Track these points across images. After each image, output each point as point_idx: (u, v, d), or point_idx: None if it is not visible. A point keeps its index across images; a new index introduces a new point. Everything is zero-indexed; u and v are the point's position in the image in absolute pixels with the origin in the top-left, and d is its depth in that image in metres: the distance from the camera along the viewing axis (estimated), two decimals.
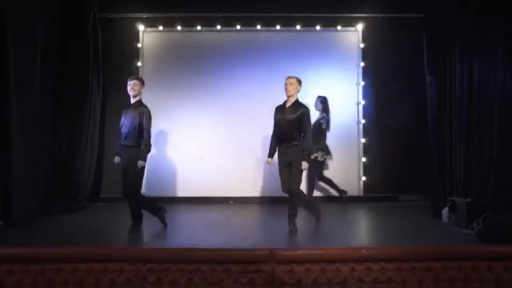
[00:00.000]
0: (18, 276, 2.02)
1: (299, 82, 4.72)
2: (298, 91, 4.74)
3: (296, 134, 4.65)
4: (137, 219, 4.91)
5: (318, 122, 6.45)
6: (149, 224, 4.94)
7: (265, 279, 2.02)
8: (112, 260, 2.06)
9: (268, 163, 4.91)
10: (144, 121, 4.66)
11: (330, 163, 6.76)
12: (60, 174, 6.09)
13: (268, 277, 2.02)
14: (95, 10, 6.72)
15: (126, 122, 4.70)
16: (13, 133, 4.95)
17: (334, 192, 6.85)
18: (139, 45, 7.31)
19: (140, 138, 4.68)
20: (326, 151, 6.50)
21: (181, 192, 7.16)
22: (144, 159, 4.71)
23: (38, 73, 5.48)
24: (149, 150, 4.75)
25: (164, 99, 6.85)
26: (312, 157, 6.29)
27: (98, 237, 4.63)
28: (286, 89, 4.71)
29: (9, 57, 4.84)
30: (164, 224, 4.83)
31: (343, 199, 6.66)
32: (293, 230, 4.60)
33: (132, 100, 4.77)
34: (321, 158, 6.43)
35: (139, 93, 4.75)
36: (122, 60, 7.17)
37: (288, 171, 4.65)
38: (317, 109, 6.58)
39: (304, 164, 4.60)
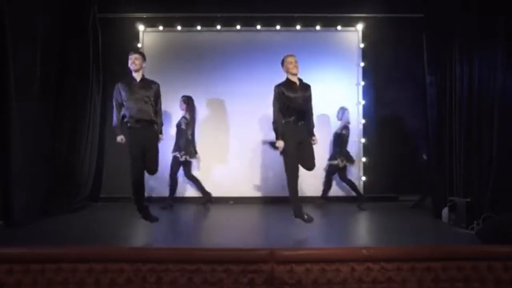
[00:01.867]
0: (18, 276, 2.01)
1: None
2: None
3: (306, 112, 4.72)
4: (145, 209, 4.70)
5: (179, 122, 6.55)
6: (149, 224, 4.93)
7: (265, 279, 2.01)
8: (112, 260, 2.05)
9: (280, 146, 4.60)
10: (160, 97, 4.76)
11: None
12: (60, 174, 6.09)
13: (268, 277, 2.02)
14: (95, 10, 6.72)
15: (138, 97, 4.52)
16: (13, 133, 4.95)
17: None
18: (139, 45, 7.31)
19: (155, 114, 4.70)
20: (190, 151, 6.49)
21: (181, 192, 7.16)
22: (162, 133, 4.89)
23: (38, 73, 5.48)
24: (163, 124, 4.95)
25: (163, 99, 6.74)
26: (175, 155, 6.45)
27: (98, 237, 4.63)
28: (292, 67, 4.65)
29: (9, 57, 4.84)
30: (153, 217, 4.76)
31: (205, 202, 6.56)
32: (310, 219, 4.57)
33: (136, 75, 4.62)
34: (182, 158, 6.43)
35: (141, 68, 4.64)
36: (122, 60, 7.12)
37: (297, 149, 4.58)
38: (181, 109, 6.63)
39: (316, 139, 4.79)
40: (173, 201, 6.56)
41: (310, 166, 4.66)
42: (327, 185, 6.74)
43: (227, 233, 4.89)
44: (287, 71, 4.70)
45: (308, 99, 4.73)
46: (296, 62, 4.66)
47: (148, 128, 4.58)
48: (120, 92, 4.60)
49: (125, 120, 4.57)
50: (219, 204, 6.66)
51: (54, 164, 6.01)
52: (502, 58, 5.03)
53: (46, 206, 5.71)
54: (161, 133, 4.87)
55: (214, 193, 6.98)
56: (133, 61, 4.59)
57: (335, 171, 6.63)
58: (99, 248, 2.54)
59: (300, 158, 4.60)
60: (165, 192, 6.97)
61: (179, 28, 7.29)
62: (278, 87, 4.67)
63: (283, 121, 4.63)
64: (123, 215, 5.73)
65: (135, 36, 7.31)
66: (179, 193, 7.13)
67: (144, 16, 7.29)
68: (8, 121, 4.90)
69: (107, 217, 5.90)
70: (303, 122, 4.68)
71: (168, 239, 4.68)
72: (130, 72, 4.65)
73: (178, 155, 6.43)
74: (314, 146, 4.79)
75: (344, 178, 6.65)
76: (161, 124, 4.88)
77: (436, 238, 4.55)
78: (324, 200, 6.66)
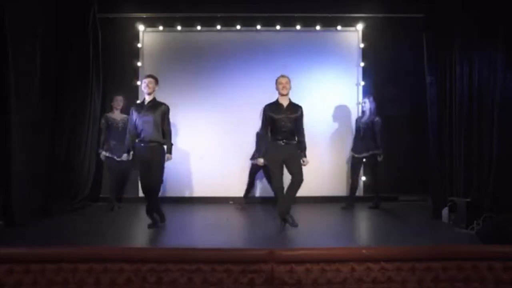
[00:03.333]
0: (18, 276, 2.01)
1: (290, 81, 4.84)
2: (290, 89, 4.86)
3: (293, 132, 4.80)
4: (158, 217, 4.98)
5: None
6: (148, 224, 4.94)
7: (265, 279, 2.01)
8: (112, 260, 2.05)
9: (260, 163, 5.00)
10: (168, 118, 4.91)
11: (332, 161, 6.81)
12: (60, 174, 6.09)
13: (268, 277, 2.02)
14: (95, 10, 6.72)
15: (145, 119, 4.75)
16: (13, 133, 4.95)
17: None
18: (139, 45, 7.31)
19: (162, 135, 4.87)
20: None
21: (181, 192, 7.17)
22: (171, 153, 4.98)
23: (38, 73, 5.48)
24: (172, 145, 5.04)
25: (163, 99, 6.81)
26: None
27: (98, 237, 4.63)
28: (283, 88, 4.76)
29: (9, 57, 4.84)
30: (152, 225, 4.88)
31: (111, 207, 6.33)
32: (294, 223, 4.64)
33: (147, 98, 4.87)
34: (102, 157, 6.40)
35: (153, 91, 4.86)
36: (122, 60, 7.17)
37: (281, 168, 4.73)
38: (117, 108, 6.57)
39: (306, 160, 4.81)
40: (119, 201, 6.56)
41: (297, 179, 4.68)
42: (251, 185, 6.84)
43: (227, 233, 4.89)
44: (277, 91, 4.84)
45: (295, 120, 4.77)
46: (286, 83, 4.76)
47: (151, 148, 4.77)
48: (133, 114, 4.87)
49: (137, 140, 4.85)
50: (219, 204, 6.65)
51: (54, 164, 6.01)
52: (502, 58, 5.04)
53: (46, 206, 5.71)
54: (169, 153, 4.94)
55: (214, 193, 7.00)
56: (146, 84, 4.82)
57: (258, 170, 6.67)
58: (99, 248, 2.54)
59: (290, 173, 4.73)
60: (165, 193, 6.99)
61: (179, 28, 7.29)
62: (265, 107, 4.88)
63: (268, 140, 4.82)
64: (123, 215, 5.73)
65: (135, 36, 7.31)
66: (178, 193, 7.15)
67: (144, 16, 7.29)
68: (8, 121, 4.91)
69: (107, 217, 5.89)
70: (289, 141, 4.76)
71: (168, 239, 4.68)
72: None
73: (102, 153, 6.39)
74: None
75: (253, 176, 6.78)
76: (170, 144, 4.97)
77: (436, 238, 4.55)
78: (247, 200, 6.78)
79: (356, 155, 6.51)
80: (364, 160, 6.54)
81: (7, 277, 2.01)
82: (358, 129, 6.58)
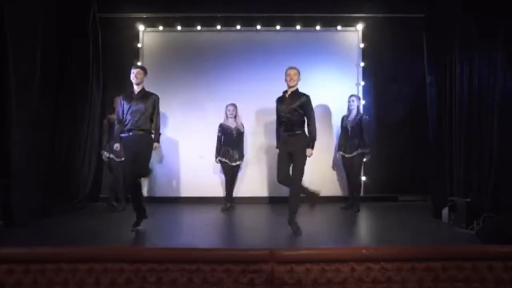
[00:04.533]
0: (18, 276, 2.01)
1: (299, 72, 4.78)
2: (299, 81, 4.79)
3: (298, 122, 4.69)
4: (141, 212, 4.84)
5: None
6: (149, 224, 4.94)
7: (265, 279, 2.01)
8: (112, 260, 2.05)
9: None
10: (158, 108, 4.94)
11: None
12: (60, 174, 6.09)
13: (268, 277, 2.02)
14: (95, 10, 6.72)
15: (135, 108, 4.75)
16: (13, 133, 4.95)
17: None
18: (139, 45, 7.31)
19: (151, 124, 4.91)
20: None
21: (181, 192, 7.17)
22: (159, 141, 5.09)
23: (38, 73, 5.48)
24: (160, 134, 5.12)
25: (163, 99, 6.77)
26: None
27: (98, 237, 4.63)
28: (289, 80, 4.72)
29: (9, 57, 4.84)
30: (136, 224, 4.75)
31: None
32: (297, 232, 4.53)
33: (136, 88, 4.84)
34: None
35: (142, 81, 4.86)
36: (122, 60, 7.16)
37: (287, 161, 4.66)
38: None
39: (309, 151, 4.65)
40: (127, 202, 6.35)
41: (296, 176, 4.62)
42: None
43: (227, 233, 4.89)
44: (286, 83, 4.81)
45: (295, 110, 4.64)
46: (294, 74, 4.72)
47: (140, 136, 4.75)
48: (121, 104, 4.87)
49: (124, 129, 4.83)
50: (219, 204, 6.65)
51: (54, 164, 6.01)
52: (502, 58, 5.04)
53: (46, 206, 5.71)
54: (158, 141, 5.06)
55: (214, 193, 6.99)
56: (135, 75, 4.82)
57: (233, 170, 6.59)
58: (99, 248, 2.55)
59: (292, 165, 4.68)
60: (165, 193, 6.99)
61: (179, 28, 7.29)
62: (276, 99, 4.87)
63: (280, 132, 4.83)
64: (123, 215, 5.73)
65: (135, 36, 7.32)
66: (177, 193, 7.15)
67: (144, 16, 7.29)
68: (8, 121, 4.91)
69: (107, 217, 5.89)
70: (295, 133, 4.67)
71: (168, 239, 4.68)
72: (131, 82, 4.88)
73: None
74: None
75: (235, 176, 6.66)
76: (159, 133, 5.07)
77: (436, 238, 4.55)
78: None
79: (347, 155, 6.35)
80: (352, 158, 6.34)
81: (7, 277, 2.01)
82: (345, 128, 6.42)
